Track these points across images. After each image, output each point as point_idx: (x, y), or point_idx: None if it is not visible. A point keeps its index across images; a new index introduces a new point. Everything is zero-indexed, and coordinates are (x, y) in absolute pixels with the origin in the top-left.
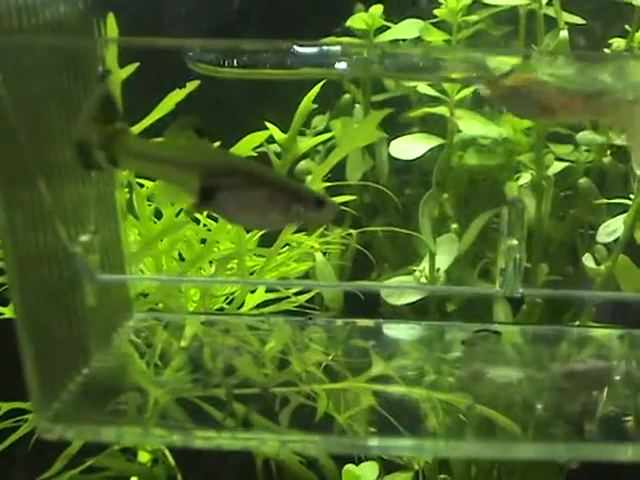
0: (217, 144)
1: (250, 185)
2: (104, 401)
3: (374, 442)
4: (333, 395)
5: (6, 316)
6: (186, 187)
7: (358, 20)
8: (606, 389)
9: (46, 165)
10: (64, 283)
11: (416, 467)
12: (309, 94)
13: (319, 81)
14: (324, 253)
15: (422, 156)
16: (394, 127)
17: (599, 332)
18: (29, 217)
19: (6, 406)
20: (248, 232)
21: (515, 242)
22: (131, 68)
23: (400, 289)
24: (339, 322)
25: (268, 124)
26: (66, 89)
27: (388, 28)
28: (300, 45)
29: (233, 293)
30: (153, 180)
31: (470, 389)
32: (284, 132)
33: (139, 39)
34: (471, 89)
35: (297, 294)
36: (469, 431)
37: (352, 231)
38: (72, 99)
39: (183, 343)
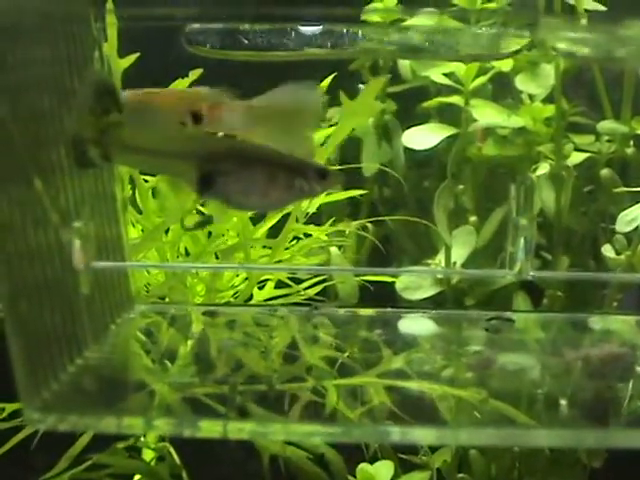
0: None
1: (249, 166)
2: (99, 392)
3: (395, 431)
4: (344, 390)
5: None
6: (185, 178)
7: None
8: (626, 374)
9: (37, 154)
10: (57, 273)
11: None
12: (321, 84)
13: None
14: (339, 247)
15: (437, 146)
16: (412, 119)
17: (618, 319)
18: (18, 209)
19: (11, 407)
20: (255, 225)
21: (525, 221)
22: (132, 58)
23: (408, 272)
24: (343, 311)
25: None
26: (60, 76)
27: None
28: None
29: (239, 286)
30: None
31: (480, 377)
32: None
33: (134, 10)
34: (487, 77)
35: (308, 288)
36: (485, 419)
37: (368, 224)
38: (67, 87)
39: (184, 335)
